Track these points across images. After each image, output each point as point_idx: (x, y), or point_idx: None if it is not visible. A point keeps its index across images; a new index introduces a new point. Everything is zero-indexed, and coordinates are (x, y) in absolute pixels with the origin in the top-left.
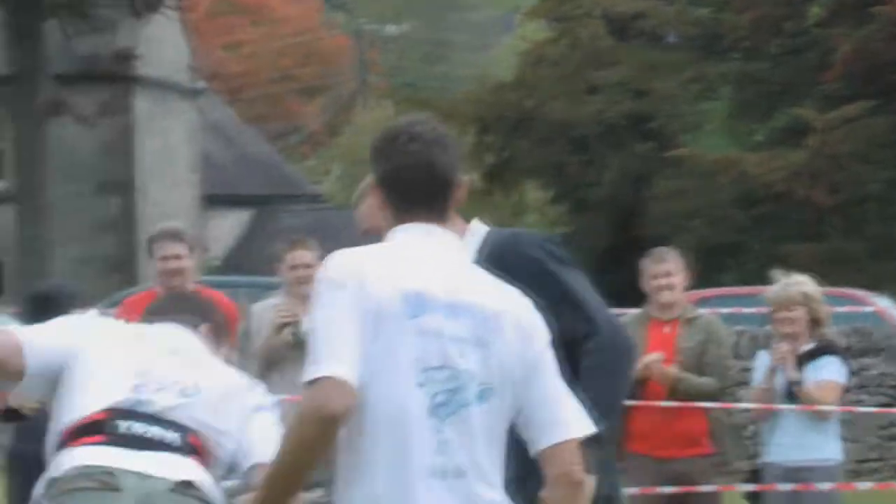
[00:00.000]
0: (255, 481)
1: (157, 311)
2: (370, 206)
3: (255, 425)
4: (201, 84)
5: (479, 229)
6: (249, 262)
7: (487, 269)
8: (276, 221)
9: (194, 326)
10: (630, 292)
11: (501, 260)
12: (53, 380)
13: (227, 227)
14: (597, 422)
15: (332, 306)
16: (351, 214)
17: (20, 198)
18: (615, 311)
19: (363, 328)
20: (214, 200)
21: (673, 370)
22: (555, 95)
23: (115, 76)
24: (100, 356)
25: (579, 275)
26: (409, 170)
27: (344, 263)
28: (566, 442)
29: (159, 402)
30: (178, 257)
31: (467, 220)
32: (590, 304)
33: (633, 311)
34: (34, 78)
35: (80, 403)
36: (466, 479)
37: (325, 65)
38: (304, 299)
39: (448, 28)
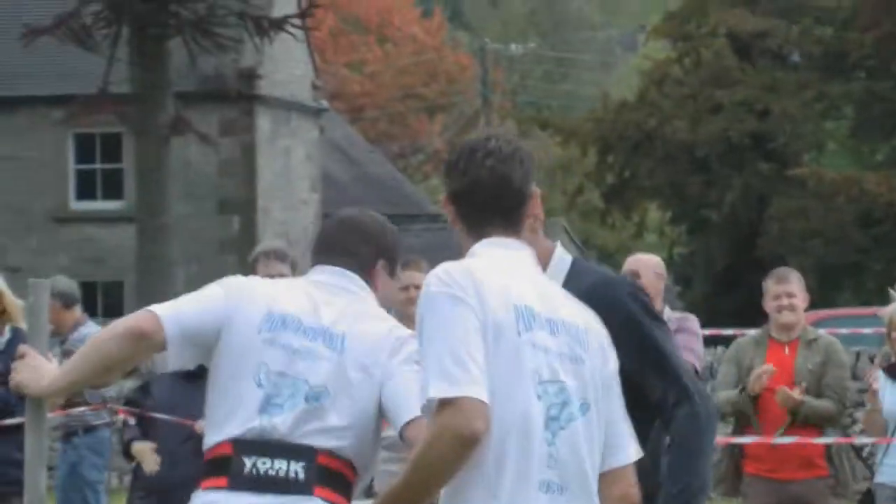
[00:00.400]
0: (410, 436)
1: (326, 248)
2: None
3: (403, 378)
4: (324, 103)
5: (563, 259)
6: None
7: None
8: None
9: (370, 265)
10: (747, 312)
11: (590, 302)
12: (201, 348)
13: None
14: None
15: (455, 321)
16: None
17: (141, 217)
18: (733, 331)
19: (486, 343)
20: None
21: (797, 394)
22: (677, 115)
23: (239, 95)
24: (239, 345)
25: (669, 333)
26: (486, 184)
27: (459, 277)
28: (627, 465)
29: (285, 421)
30: (281, 276)
31: (553, 234)
32: (682, 368)
33: (751, 332)
34: (157, 96)
35: (215, 420)
36: (567, 494)
37: (448, 83)
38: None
39: (571, 47)
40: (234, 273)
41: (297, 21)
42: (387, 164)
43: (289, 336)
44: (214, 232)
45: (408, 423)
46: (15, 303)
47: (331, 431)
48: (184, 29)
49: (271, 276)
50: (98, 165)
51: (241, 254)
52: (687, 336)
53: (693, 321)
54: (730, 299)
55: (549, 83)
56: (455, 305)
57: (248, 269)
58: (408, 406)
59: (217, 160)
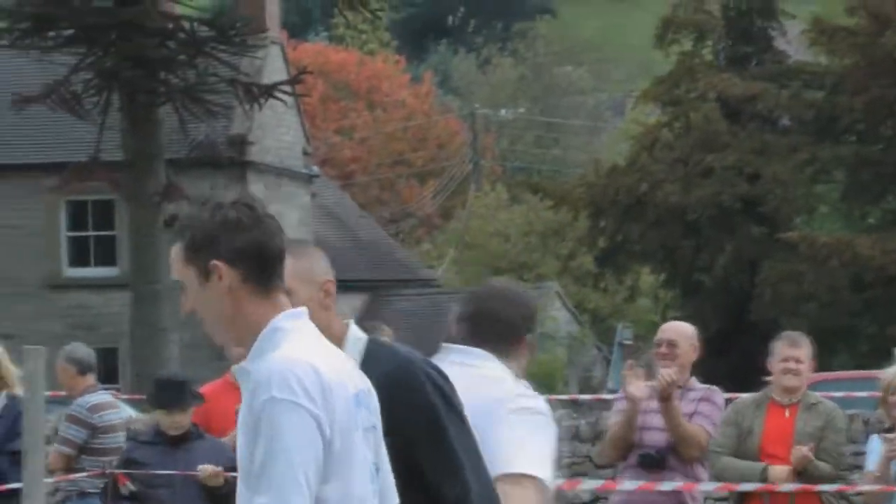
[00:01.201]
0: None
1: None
2: None
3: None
4: (315, 169)
5: (358, 338)
6: None
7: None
8: (390, 305)
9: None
10: (739, 375)
11: (390, 389)
12: None
13: (341, 311)
14: None
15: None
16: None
17: (134, 283)
18: (727, 394)
19: (331, 450)
20: None
21: (806, 450)
22: (668, 179)
23: (230, 161)
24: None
25: (464, 424)
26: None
27: (308, 384)
28: None
29: None
30: None
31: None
32: (465, 467)
33: (744, 395)
34: (149, 163)
35: None
36: None
37: (439, 149)
38: None
39: (560, 112)
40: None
41: (286, 88)
42: (378, 229)
43: None
44: None
45: None
46: (11, 369)
47: None
48: (174, 96)
49: None
50: (91, 232)
51: None
52: (710, 406)
53: (718, 394)
54: (722, 362)
55: (539, 148)
56: (301, 419)
57: None
58: None
59: None
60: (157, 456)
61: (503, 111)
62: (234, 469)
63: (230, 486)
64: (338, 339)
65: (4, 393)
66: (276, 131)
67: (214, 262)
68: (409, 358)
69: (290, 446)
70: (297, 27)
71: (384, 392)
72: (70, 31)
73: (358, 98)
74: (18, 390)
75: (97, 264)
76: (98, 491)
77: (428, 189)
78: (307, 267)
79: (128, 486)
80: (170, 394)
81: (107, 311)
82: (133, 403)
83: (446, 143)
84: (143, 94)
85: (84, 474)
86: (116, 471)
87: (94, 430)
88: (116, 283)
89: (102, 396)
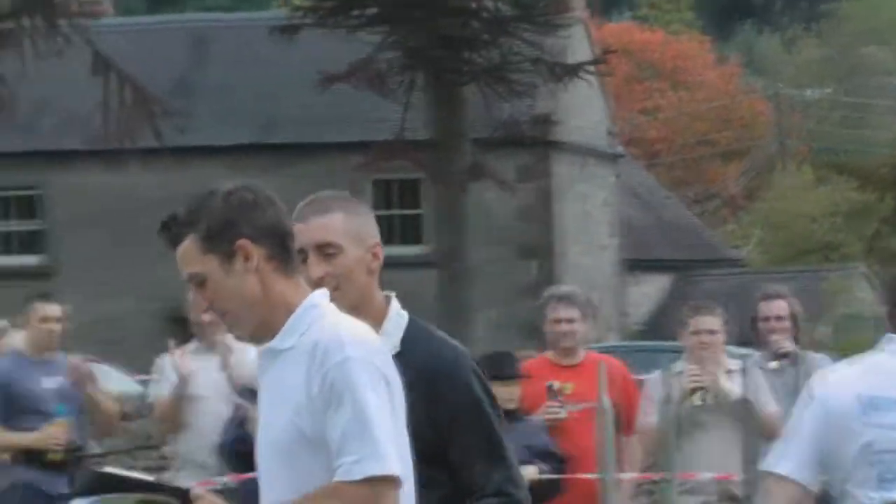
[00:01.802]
0: None
1: None
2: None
3: None
4: (619, 149)
5: (401, 314)
6: (670, 328)
7: (413, 380)
8: (696, 286)
9: None
10: None
11: (431, 374)
12: None
13: (647, 292)
14: None
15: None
16: (772, 279)
17: (440, 262)
18: None
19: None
20: (634, 265)
21: None
22: None
23: (535, 141)
24: None
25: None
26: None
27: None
28: None
29: None
30: (570, 321)
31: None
32: (512, 459)
33: None
34: (455, 143)
35: None
36: None
37: (743, 129)
38: (707, 364)
39: (866, 92)
40: (531, 317)
41: (591, 67)
42: (683, 209)
43: None
44: (514, 277)
45: None
46: None
47: None
48: (479, 76)
49: (559, 320)
50: (396, 211)
51: (539, 299)
52: None
53: None
54: None
55: (845, 128)
56: (376, 377)
57: (538, 313)
58: None
59: (514, 206)
60: None
61: (808, 91)
62: (540, 451)
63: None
64: (378, 310)
65: None
66: (581, 111)
67: (241, 241)
68: (450, 345)
69: (374, 402)
70: (602, 7)
71: (429, 376)
72: (374, 10)
73: (662, 78)
74: None
75: (403, 243)
76: None
77: (732, 169)
78: (361, 225)
79: None
80: (505, 366)
81: (412, 289)
82: None
83: (750, 123)
84: (448, 74)
85: None
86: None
87: None
88: (422, 262)
89: None
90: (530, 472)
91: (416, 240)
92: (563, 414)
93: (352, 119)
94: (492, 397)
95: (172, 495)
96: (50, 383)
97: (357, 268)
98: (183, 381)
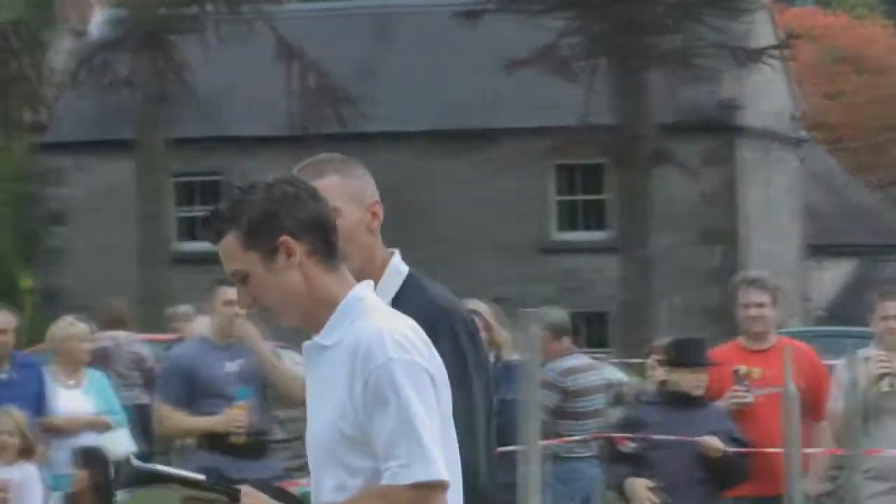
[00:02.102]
0: None
1: None
2: None
3: None
4: (803, 134)
5: (399, 270)
6: (854, 313)
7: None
8: (881, 271)
9: None
10: None
11: (429, 328)
12: None
13: (831, 277)
14: None
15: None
16: None
17: (624, 247)
18: None
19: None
20: (818, 251)
21: None
22: None
23: (719, 126)
24: None
25: (488, 383)
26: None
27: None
28: None
29: None
30: (759, 305)
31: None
32: (478, 437)
33: None
34: (639, 128)
35: None
36: None
37: None
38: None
39: None
40: (715, 302)
41: (774, 52)
42: (867, 194)
43: None
44: (697, 262)
45: None
46: (503, 334)
47: None
48: (662, 60)
49: (748, 305)
50: (580, 196)
51: (723, 284)
52: None
53: None
54: None
55: None
56: (421, 376)
57: (729, 299)
58: None
59: (698, 191)
60: (661, 416)
61: None
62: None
63: (727, 458)
64: (379, 267)
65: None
66: (765, 96)
67: (283, 237)
68: (451, 301)
69: (418, 405)
70: None
71: (424, 320)
72: None
73: (846, 62)
74: (507, 353)
75: (586, 228)
76: (584, 456)
77: None
78: (358, 187)
79: (628, 446)
80: (694, 353)
81: (596, 275)
82: (622, 367)
83: None
84: (632, 59)
85: (575, 438)
86: (613, 434)
87: (566, 394)
88: (606, 247)
89: (577, 360)
90: (715, 443)
91: (600, 225)
92: (749, 398)
93: (535, 104)
94: (481, 354)
95: (224, 494)
96: (232, 367)
97: (358, 229)
98: None
